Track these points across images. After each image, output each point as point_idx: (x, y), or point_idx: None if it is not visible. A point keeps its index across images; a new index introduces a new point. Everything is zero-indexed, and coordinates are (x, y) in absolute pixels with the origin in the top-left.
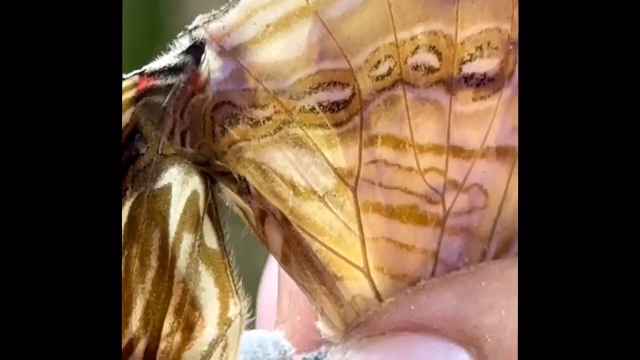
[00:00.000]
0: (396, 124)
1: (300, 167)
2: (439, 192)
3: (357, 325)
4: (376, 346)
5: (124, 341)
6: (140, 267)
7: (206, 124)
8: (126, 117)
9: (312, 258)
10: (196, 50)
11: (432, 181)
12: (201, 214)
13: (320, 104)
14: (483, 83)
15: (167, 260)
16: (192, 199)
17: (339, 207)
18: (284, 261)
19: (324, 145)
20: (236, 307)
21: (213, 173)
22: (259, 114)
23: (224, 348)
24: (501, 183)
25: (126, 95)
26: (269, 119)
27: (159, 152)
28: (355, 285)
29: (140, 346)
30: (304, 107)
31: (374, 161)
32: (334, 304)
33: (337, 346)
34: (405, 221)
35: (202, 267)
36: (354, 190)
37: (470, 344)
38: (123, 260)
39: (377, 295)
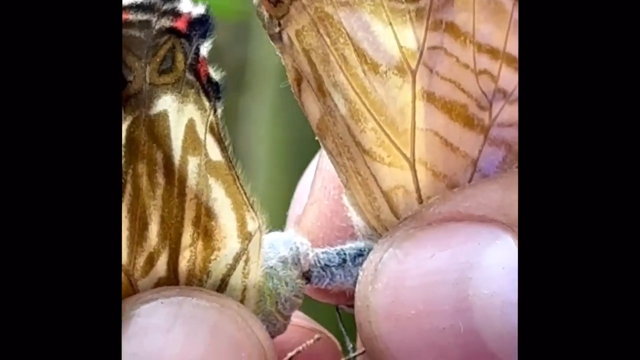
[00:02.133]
0: (461, 14)
1: (370, 35)
2: (488, 97)
3: (405, 219)
4: (424, 234)
5: (144, 256)
6: (149, 185)
7: None
8: None
9: (359, 136)
10: None
11: (484, 85)
12: (202, 137)
13: None
14: None
15: (174, 178)
16: (190, 125)
17: (397, 87)
18: (320, 134)
19: (396, 19)
20: (254, 222)
21: None
22: None
23: (246, 261)
24: None
25: None
26: None
27: (147, 81)
28: (400, 175)
29: (162, 259)
30: None
31: (435, 47)
32: (368, 196)
33: (385, 237)
34: (454, 119)
35: (211, 180)
36: (414, 74)
37: (514, 225)
38: (128, 178)
39: (417, 190)
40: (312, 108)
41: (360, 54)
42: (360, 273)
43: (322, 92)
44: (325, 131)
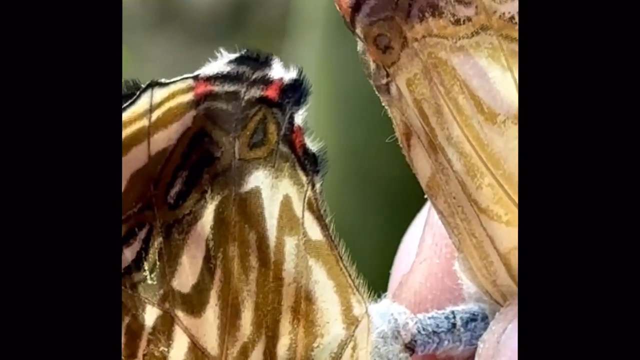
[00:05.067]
0: None
1: (487, 82)
2: None
3: None
4: None
5: (237, 346)
6: (241, 269)
7: (401, 0)
8: (186, 120)
9: (475, 194)
10: (248, 60)
11: None
12: (299, 214)
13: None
14: None
15: (269, 261)
16: (286, 202)
17: (516, 138)
18: (430, 193)
19: (515, 64)
20: (361, 306)
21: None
22: (462, 11)
23: (354, 348)
24: None
25: (182, 99)
26: (469, 19)
27: (237, 156)
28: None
29: (258, 348)
30: (504, 13)
31: None
32: (483, 260)
33: (508, 306)
34: None
35: (311, 262)
36: None
37: None
38: (218, 262)
39: None
40: (423, 165)
41: (477, 102)
42: (480, 345)
43: (433, 148)
44: (437, 190)
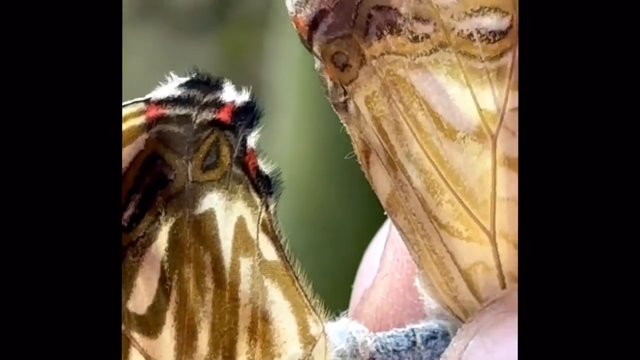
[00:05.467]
0: None
1: (446, 99)
2: None
3: (493, 302)
4: (517, 320)
5: None
6: (197, 290)
7: (359, 17)
8: (139, 143)
9: (435, 210)
10: (198, 83)
11: None
12: (254, 235)
13: (478, 31)
14: None
15: (225, 282)
16: (240, 224)
17: (476, 154)
18: (390, 210)
19: (474, 80)
20: (317, 325)
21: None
22: (420, 28)
23: None
24: None
25: (134, 122)
26: (427, 36)
27: (190, 179)
28: (479, 250)
29: None
30: (462, 30)
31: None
32: (444, 276)
33: (469, 322)
34: None
35: (267, 282)
36: (494, 139)
37: None
38: (173, 284)
39: (499, 266)
40: (382, 183)
41: (436, 119)
42: None
43: (392, 166)
44: (397, 207)
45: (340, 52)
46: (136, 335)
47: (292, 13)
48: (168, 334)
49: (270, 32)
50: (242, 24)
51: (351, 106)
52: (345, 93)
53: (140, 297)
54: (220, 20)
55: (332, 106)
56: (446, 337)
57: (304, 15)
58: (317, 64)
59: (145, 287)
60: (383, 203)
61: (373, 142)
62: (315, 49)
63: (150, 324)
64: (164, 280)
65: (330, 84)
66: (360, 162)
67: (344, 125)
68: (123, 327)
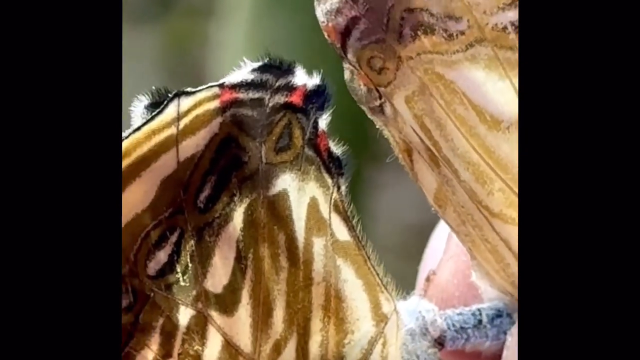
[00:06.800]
0: None
1: (487, 92)
2: None
3: None
4: None
5: (269, 343)
6: (272, 269)
7: (391, 21)
8: (214, 126)
9: (486, 200)
10: (271, 68)
11: None
12: (326, 216)
13: (512, 23)
14: None
15: (299, 261)
16: (313, 205)
17: None
18: (439, 204)
19: (512, 71)
20: (389, 303)
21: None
22: (453, 26)
23: (384, 345)
24: None
25: (208, 106)
26: (462, 33)
27: (264, 161)
28: None
29: (290, 345)
30: (496, 24)
31: None
32: (499, 263)
33: None
34: None
35: (339, 261)
36: None
37: None
38: (249, 262)
39: None
40: (427, 179)
41: (478, 112)
42: (508, 338)
43: (435, 162)
44: (445, 201)
45: (376, 56)
46: (213, 314)
47: (323, 22)
48: (244, 312)
49: (215, 21)
50: (187, 13)
51: (387, 109)
52: (380, 97)
53: (217, 276)
54: (164, 10)
55: (368, 111)
56: (510, 316)
57: (335, 23)
58: (347, 75)
59: (222, 266)
60: (430, 200)
61: (414, 141)
62: (350, 55)
63: (227, 302)
64: (239, 260)
65: (363, 89)
66: (403, 163)
67: (382, 129)
68: (200, 306)
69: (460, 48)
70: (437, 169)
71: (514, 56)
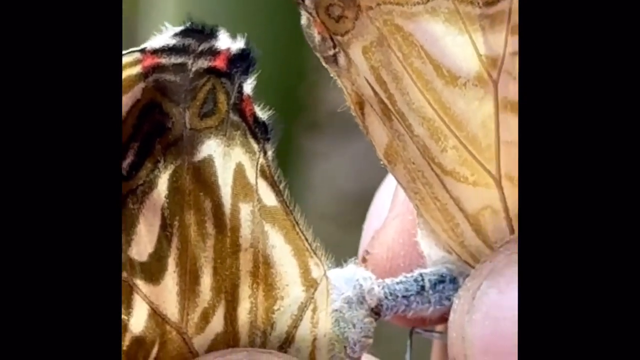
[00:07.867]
0: None
1: (445, 46)
2: None
3: (506, 242)
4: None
5: (197, 312)
6: (198, 236)
7: None
8: (136, 92)
9: (439, 157)
10: (193, 32)
11: None
12: (253, 181)
13: None
14: None
15: (226, 227)
16: (239, 170)
17: (478, 100)
18: (389, 160)
19: (472, 26)
20: (319, 269)
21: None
22: None
23: (314, 310)
24: None
25: (130, 71)
26: None
27: (188, 127)
28: (486, 194)
29: (219, 313)
30: None
31: (517, 52)
32: (449, 222)
33: (483, 263)
34: None
35: (267, 227)
36: (496, 84)
37: None
38: (175, 230)
39: (505, 209)
40: (378, 133)
41: (436, 67)
42: (455, 301)
43: (387, 116)
44: (395, 157)
45: (335, 4)
46: (139, 282)
47: None
48: (170, 280)
49: None
50: None
51: (341, 59)
52: (334, 46)
53: (142, 244)
54: None
55: (322, 60)
56: (454, 281)
57: None
58: (304, 20)
59: (146, 234)
60: (381, 154)
61: (366, 93)
62: (308, 2)
63: (153, 271)
64: (165, 227)
65: (318, 38)
66: (354, 114)
67: (335, 78)
68: (125, 275)
69: (420, 0)
70: (389, 123)
71: (474, 11)
